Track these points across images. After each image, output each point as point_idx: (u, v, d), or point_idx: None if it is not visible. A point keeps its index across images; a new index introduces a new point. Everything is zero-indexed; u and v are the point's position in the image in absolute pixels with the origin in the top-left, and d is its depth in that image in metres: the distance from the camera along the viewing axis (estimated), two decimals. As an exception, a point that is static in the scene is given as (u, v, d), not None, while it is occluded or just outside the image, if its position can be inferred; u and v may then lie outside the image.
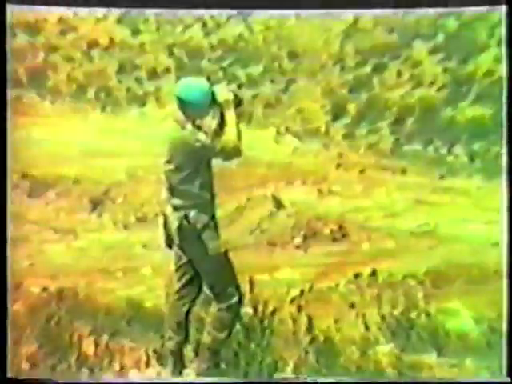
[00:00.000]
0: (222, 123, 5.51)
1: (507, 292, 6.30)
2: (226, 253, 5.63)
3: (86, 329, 6.35)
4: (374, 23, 8.25)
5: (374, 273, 6.71)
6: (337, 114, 8.22)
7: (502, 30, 6.71)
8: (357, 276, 6.70)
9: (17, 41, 8.07)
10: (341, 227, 7.26)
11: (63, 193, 7.65)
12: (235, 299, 5.63)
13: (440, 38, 7.81)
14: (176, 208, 5.46)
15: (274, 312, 6.43)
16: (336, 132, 8.13)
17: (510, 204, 6.51)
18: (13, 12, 7.99)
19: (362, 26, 8.29)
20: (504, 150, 6.68)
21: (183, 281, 5.67)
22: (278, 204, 7.44)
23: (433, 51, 7.93)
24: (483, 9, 6.86)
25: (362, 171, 7.84)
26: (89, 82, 8.37)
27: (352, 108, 8.19)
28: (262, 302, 6.43)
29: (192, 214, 5.43)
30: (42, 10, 7.97)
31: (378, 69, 8.20)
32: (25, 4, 6.83)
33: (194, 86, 5.49)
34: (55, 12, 8.27)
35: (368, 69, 8.25)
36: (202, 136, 5.37)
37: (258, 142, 7.95)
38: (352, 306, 6.49)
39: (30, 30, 8.23)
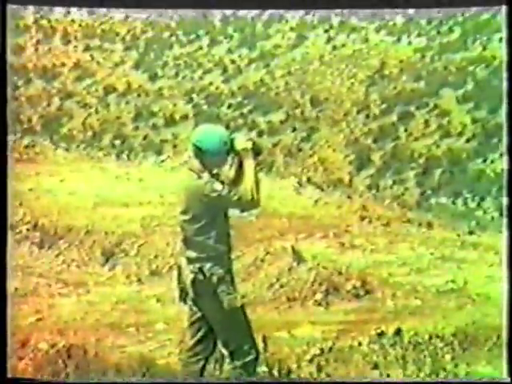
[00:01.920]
0: (240, 172, 5.51)
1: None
2: (242, 308, 5.59)
3: (95, 387, 6.34)
4: (400, 69, 8.32)
5: (398, 332, 6.65)
6: (361, 164, 8.25)
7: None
8: (380, 335, 6.64)
9: (32, 87, 8.24)
10: (363, 283, 7.22)
11: (74, 244, 7.71)
12: (251, 357, 5.56)
13: (469, 86, 7.86)
14: (191, 260, 5.44)
15: (292, 371, 6.39)
16: (360, 183, 8.16)
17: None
18: (29, 56, 8.14)
19: (388, 73, 8.36)
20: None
21: (197, 337, 5.62)
22: (298, 257, 7.43)
23: (462, 100, 7.97)
24: (484, 9, 6.88)
25: (386, 224, 7.83)
26: (104, 129, 8.51)
27: (377, 158, 8.22)
28: (279, 361, 6.39)
29: (207, 266, 5.40)
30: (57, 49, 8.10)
31: (404, 117, 8.24)
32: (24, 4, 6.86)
33: (211, 133, 5.49)
34: (72, 56, 8.42)
35: (394, 117, 8.30)
36: (218, 186, 5.35)
37: (278, 193, 7.98)
38: (375, 366, 6.42)
39: (46, 75, 8.39)
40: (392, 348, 6.49)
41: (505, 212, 6.48)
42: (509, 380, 6.20)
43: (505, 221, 6.49)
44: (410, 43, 8.52)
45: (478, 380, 6.16)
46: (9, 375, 6.29)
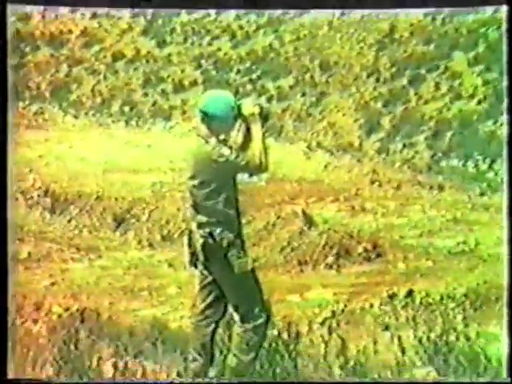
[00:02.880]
0: (247, 138, 5.55)
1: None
2: (252, 271, 5.65)
3: (108, 351, 6.42)
4: (411, 32, 8.29)
5: (409, 293, 6.70)
6: (371, 128, 8.27)
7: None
8: (392, 297, 6.69)
9: (40, 54, 8.27)
10: (375, 246, 7.27)
11: (85, 210, 7.79)
12: (262, 320, 5.62)
13: (480, 48, 7.83)
14: (201, 225, 5.50)
15: (302, 334, 6.45)
16: (370, 147, 8.18)
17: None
18: (35, 23, 8.17)
19: (398, 36, 8.34)
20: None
21: (208, 301, 5.69)
22: (309, 221, 7.48)
23: (473, 62, 7.95)
24: (485, 9, 6.88)
25: (396, 187, 7.86)
26: (113, 96, 8.55)
27: (387, 122, 8.23)
28: (290, 324, 6.45)
29: (217, 231, 5.47)
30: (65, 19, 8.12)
31: (415, 81, 8.24)
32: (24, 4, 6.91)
33: (218, 99, 5.53)
34: (80, 24, 8.44)
35: (404, 81, 8.30)
36: (226, 151, 5.41)
37: (288, 158, 8.01)
38: (387, 328, 6.48)
39: (54, 42, 8.42)
40: (403, 309, 6.54)
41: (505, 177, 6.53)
42: (509, 380, 6.23)
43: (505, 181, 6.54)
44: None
45: (478, 380, 6.22)
46: (9, 376, 6.36)
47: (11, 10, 6.61)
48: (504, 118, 6.54)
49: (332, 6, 7.05)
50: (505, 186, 6.46)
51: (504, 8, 6.55)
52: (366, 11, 8.10)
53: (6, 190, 6.65)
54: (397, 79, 8.30)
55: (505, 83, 6.56)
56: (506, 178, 6.47)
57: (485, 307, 6.55)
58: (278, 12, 8.47)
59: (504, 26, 6.56)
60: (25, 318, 6.52)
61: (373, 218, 7.54)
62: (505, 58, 6.51)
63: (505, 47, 6.55)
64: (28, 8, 7.95)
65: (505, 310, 6.36)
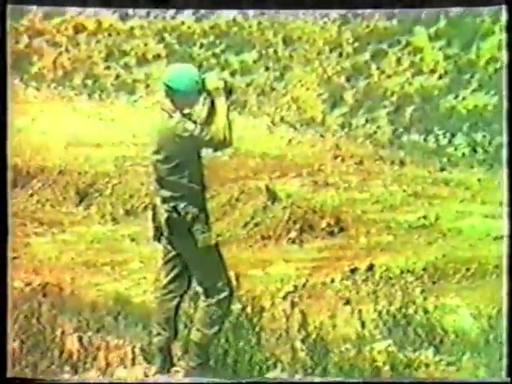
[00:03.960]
0: (212, 112, 5.54)
1: (507, 288, 6.36)
2: (216, 246, 5.65)
3: (71, 325, 6.41)
4: (373, 7, 8.31)
5: (370, 268, 6.77)
6: (334, 102, 8.29)
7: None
8: (353, 271, 6.76)
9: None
10: (337, 220, 7.33)
11: (48, 184, 7.73)
12: (225, 294, 5.63)
13: (442, 23, 7.87)
14: (165, 200, 5.49)
15: (265, 308, 6.49)
16: (333, 122, 8.21)
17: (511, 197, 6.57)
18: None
19: (361, 11, 8.35)
20: (505, 141, 6.75)
21: (172, 275, 5.69)
22: (273, 196, 7.51)
23: (434, 38, 7.99)
24: (485, 9, 6.92)
25: (359, 162, 7.91)
26: (75, 69, 8.46)
27: (349, 97, 8.26)
28: (253, 298, 6.49)
29: (181, 205, 5.46)
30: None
31: (377, 56, 8.27)
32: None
33: (182, 72, 5.50)
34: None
35: (366, 56, 8.32)
36: (190, 125, 5.39)
37: (252, 132, 8.02)
38: (347, 302, 6.54)
39: (14, 13, 8.28)
40: (364, 284, 6.60)
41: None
42: (509, 380, 6.26)
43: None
44: (383, -19, 8.51)
45: (478, 380, 6.29)
46: (8, 375, 6.33)
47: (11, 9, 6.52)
48: (504, 123, 6.61)
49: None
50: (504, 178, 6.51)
51: (504, 8, 6.57)
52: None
53: None
54: (359, 54, 8.33)
55: (505, 83, 6.61)
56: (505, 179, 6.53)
57: (442, 280, 6.64)
58: (242, -14, 8.44)
59: (504, 26, 6.59)
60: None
61: (335, 192, 7.59)
62: (505, 58, 6.55)
63: (505, 47, 6.58)
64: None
65: (505, 312, 6.44)
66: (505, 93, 6.46)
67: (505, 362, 6.22)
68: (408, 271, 6.72)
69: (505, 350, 6.26)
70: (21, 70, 8.29)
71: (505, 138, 6.61)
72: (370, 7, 7.18)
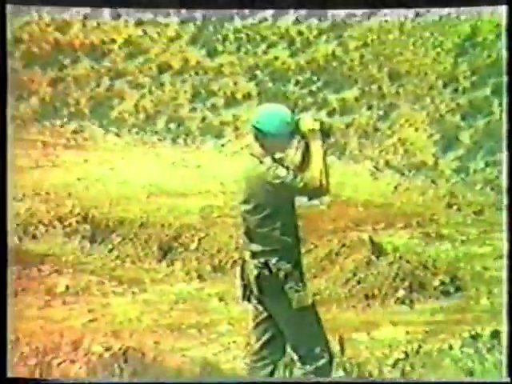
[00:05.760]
0: (306, 156, 5.62)
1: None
2: (313, 306, 5.69)
3: (154, 394, 6.54)
4: (496, 35, 8.32)
5: (496, 334, 6.68)
6: (447, 144, 8.30)
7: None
8: (474, 337, 6.68)
9: (79, 67, 8.49)
10: (453, 278, 7.28)
11: (128, 238, 7.95)
12: (324, 361, 5.64)
13: None
14: (255, 254, 5.55)
15: (373, 376, 6.47)
16: (446, 166, 8.20)
17: None
18: (75, 32, 8.43)
19: (481, 39, 8.38)
20: None
21: (263, 339, 5.72)
22: (377, 250, 7.52)
23: None
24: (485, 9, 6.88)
25: (478, 212, 7.87)
26: (158, 112, 8.72)
27: (466, 137, 8.25)
28: (358, 365, 6.48)
29: (273, 260, 5.51)
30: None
31: (499, 90, 8.24)
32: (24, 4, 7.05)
33: (273, 114, 5.58)
34: (123, 32, 8.66)
35: (487, 91, 8.32)
36: (282, 171, 5.45)
37: (353, 179, 8.07)
38: (470, 373, 6.45)
39: (95, 53, 8.64)
40: (488, 353, 6.51)
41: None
42: (509, 380, 6.22)
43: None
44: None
45: (478, 380, 6.18)
46: (9, 375, 6.45)
47: (10, 9, 6.70)
48: (504, 115, 6.54)
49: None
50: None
51: (504, 8, 6.57)
52: (445, 10, 8.16)
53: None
54: (478, 89, 8.33)
55: (505, 84, 6.57)
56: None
57: None
58: (342, 15, 8.58)
59: (504, 26, 6.57)
60: (62, 358, 6.65)
61: (451, 246, 7.56)
62: (505, 59, 6.51)
63: (505, 47, 6.56)
64: (66, 15, 8.20)
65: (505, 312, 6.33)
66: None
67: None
68: (539, 338, 6.61)
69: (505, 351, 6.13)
70: (100, 114, 8.62)
71: None
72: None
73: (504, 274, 6.46)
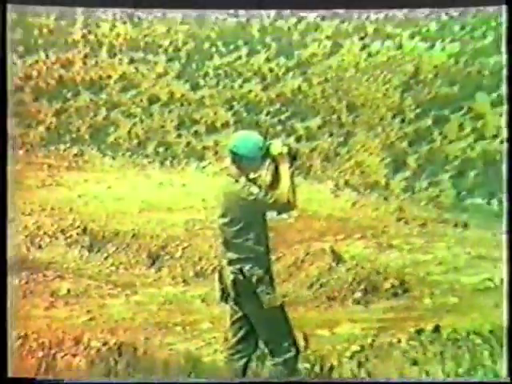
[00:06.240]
0: (276, 177, 5.65)
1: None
2: (282, 307, 5.69)
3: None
4: (435, 74, 8.39)
5: (436, 329, 6.69)
6: (396, 167, 8.33)
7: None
8: (419, 332, 6.68)
9: (80, 99, 8.48)
10: (401, 282, 7.30)
11: (122, 247, 7.91)
12: (291, 354, 5.66)
13: (503, 89, 7.89)
14: (231, 262, 5.56)
15: (333, 367, 6.46)
16: (396, 185, 8.23)
17: None
18: (77, 69, 8.43)
19: (423, 78, 8.44)
20: None
21: (239, 335, 5.72)
22: (337, 258, 7.53)
23: (496, 103, 8.00)
24: (484, 9, 6.87)
25: (422, 225, 7.90)
26: (148, 138, 8.71)
27: (412, 161, 8.30)
28: (321, 358, 6.47)
29: (247, 267, 5.52)
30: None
31: (439, 121, 8.31)
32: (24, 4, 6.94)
33: (247, 139, 5.62)
34: (118, 69, 8.65)
35: (429, 121, 8.37)
36: (255, 189, 5.49)
37: (317, 196, 8.09)
38: (415, 363, 6.45)
39: (93, 87, 8.62)
40: (431, 345, 6.52)
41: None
42: (509, 380, 6.19)
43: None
44: (443, 49, 8.58)
45: (478, 380, 6.19)
46: (9, 374, 6.40)
47: (11, 9, 6.59)
48: (504, 109, 6.58)
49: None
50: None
51: (504, 8, 6.55)
52: (391, 53, 8.23)
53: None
54: (422, 120, 8.38)
55: (505, 84, 6.60)
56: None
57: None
58: (306, 55, 8.63)
59: (504, 26, 6.56)
60: (65, 352, 6.61)
61: (399, 254, 7.59)
62: (505, 59, 6.54)
63: (504, 47, 6.55)
64: (69, 54, 8.19)
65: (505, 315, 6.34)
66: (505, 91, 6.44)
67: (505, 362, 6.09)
68: (475, 333, 6.61)
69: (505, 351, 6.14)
70: (98, 140, 8.59)
71: None
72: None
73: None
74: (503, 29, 6.57)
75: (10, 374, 6.38)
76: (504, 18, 6.52)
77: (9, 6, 6.48)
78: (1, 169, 6.52)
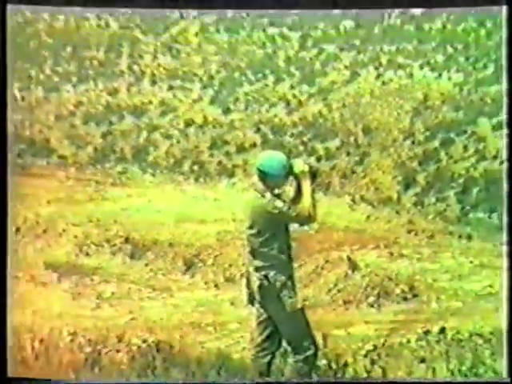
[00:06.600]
0: (298, 192, 5.67)
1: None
2: (302, 310, 5.70)
3: (180, 377, 6.49)
4: (442, 101, 8.37)
5: (442, 330, 6.65)
6: (407, 184, 8.32)
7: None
8: (426, 333, 6.65)
9: (124, 123, 8.54)
10: (411, 287, 7.28)
11: (160, 255, 7.94)
12: (311, 352, 5.66)
13: (503, 115, 7.86)
14: (257, 269, 5.59)
15: (348, 364, 6.44)
16: (407, 200, 8.21)
17: None
18: (121, 96, 8.50)
19: (431, 104, 8.42)
20: None
21: (264, 335, 5.74)
22: (353, 266, 7.52)
23: (496, 127, 7.97)
24: (484, 9, 6.72)
25: (430, 236, 7.87)
26: (184, 157, 8.76)
27: (421, 179, 8.28)
28: (337, 355, 6.44)
29: (271, 274, 5.54)
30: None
31: (445, 143, 8.29)
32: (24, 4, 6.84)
33: (273, 158, 5.66)
34: (158, 95, 8.70)
35: (436, 143, 8.35)
36: (279, 203, 5.52)
37: (335, 210, 8.08)
38: (422, 361, 6.42)
39: (136, 112, 8.68)
40: (437, 344, 6.49)
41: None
42: (509, 380, 6.13)
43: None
44: (449, 78, 8.59)
45: (479, 380, 6.13)
46: (9, 374, 6.35)
47: (11, 9, 6.54)
48: (504, 132, 6.53)
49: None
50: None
51: (504, 8, 6.42)
52: (403, 82, 8.22)
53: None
54: (430, 142, 8.37)
55: (504, 84, 6.52)
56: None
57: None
58: (327, 82, 8.64)
59: (504, 26, 6.44)
60: (109, 348, 6.64)
61: (409, 263, 7.56)
62: (504, 59, 6.46)
63: (505, 47, 6.42)
64: (115, 83, 8.27)
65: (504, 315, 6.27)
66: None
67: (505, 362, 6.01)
68: (477, 334, 6.58)
69: (505, 351, 6.05)
70: (140, 159, 8.64)
71: None
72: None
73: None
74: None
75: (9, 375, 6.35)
76: (504, 18, 6.37)
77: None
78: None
